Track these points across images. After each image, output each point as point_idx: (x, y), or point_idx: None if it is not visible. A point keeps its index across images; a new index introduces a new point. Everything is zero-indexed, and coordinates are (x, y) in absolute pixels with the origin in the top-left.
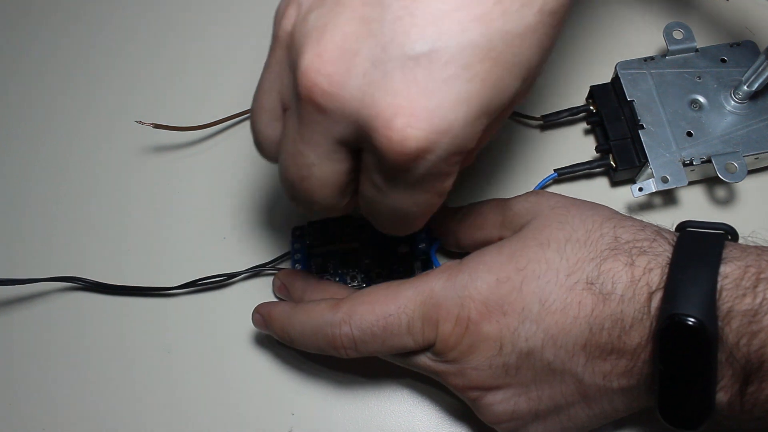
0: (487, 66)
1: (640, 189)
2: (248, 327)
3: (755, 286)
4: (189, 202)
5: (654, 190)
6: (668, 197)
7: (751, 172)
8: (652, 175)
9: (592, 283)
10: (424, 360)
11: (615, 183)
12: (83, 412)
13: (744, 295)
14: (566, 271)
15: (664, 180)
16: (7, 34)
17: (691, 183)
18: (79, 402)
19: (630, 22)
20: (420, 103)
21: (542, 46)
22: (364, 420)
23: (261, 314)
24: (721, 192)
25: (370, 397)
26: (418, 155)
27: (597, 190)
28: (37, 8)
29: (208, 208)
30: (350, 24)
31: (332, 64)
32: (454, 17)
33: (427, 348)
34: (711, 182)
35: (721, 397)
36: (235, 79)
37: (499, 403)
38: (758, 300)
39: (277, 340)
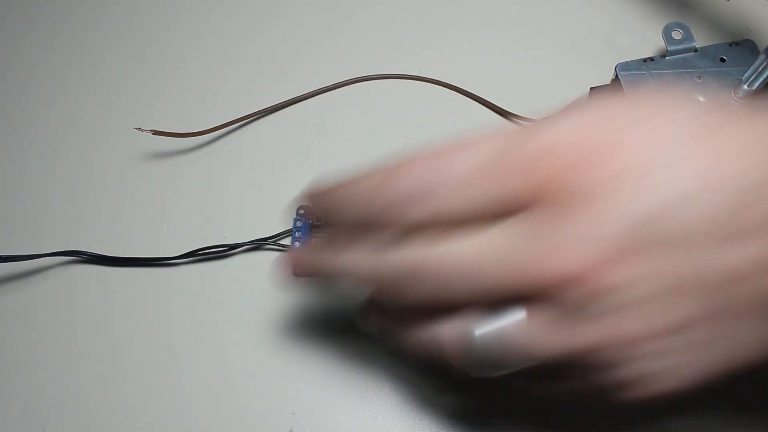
0: None
1: None
2: (248, 300)
3: None
4: (188, 205)
5: None
6: None
7: None
8: None
9: None
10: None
11: None
12: (82, 392)
13: None
14: None
15: None
16: (6, 35)
17: None
18: (78, 382)
19: (629, 23)
20: None
21: None
22: (365, 420)
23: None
24: None
25: (371, 397)
26: None
27: None
28: (33, 11)
29: (208, 211)
30: None
31: None
32: None
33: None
34: None
35: None
36: (234, 86)
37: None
38: None
39: (277, 329)
